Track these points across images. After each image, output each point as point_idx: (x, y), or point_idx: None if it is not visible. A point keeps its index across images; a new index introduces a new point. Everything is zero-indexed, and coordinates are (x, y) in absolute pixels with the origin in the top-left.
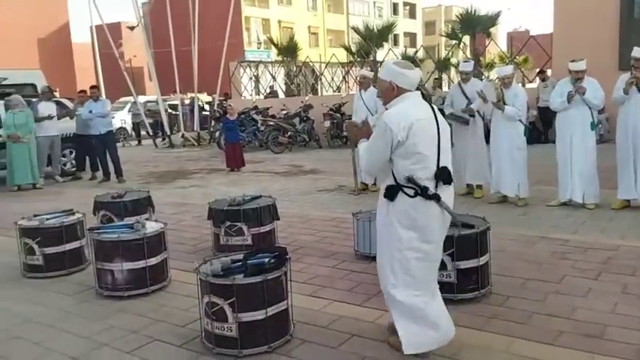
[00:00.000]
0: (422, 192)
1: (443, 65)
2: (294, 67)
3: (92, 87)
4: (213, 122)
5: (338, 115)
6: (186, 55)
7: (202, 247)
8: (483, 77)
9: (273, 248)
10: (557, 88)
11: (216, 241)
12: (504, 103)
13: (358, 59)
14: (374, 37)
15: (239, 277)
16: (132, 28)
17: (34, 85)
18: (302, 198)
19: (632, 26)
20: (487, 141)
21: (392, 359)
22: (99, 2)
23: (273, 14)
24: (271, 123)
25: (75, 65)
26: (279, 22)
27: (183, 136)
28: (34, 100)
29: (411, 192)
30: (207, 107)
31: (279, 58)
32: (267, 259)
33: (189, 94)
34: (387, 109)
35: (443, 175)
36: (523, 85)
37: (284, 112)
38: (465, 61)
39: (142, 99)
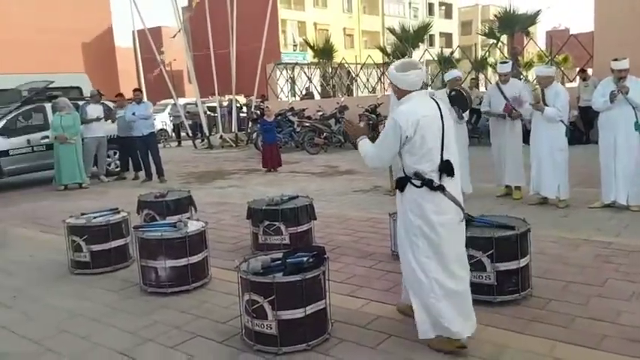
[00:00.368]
0: (427, 184)
1: (480, 65)
2: (330, 69)
3: (135, 90)
4: (250, 124)
5: (373, 115)
6: (224, 57)
7: (241, 246)
8: (522, 77)
9: (311, 248)
10: (599, 88)
11: (254, 240)
12: (545, 104)
13: (394, 60)
14: (409, 38)
15: (279, 275)
16: (173, 36)
17: (79, 88)
18: (338, 198)
19: None
20: (525, 141)
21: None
22: (141, 8)
23: (308, 16)
24: (307, 124)
25: (117, 69)
26: (315, 24)
27: (221, 137)
28: (81, 102)
29: (417, 183)
30: (244, 109)
31: (315, 60)
32: (305, 259)
33: (227, 96)
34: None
35: (446, 168)
36: (563, 85)
37: (320, 113)
38: (503, 62)
39: (181, 101)
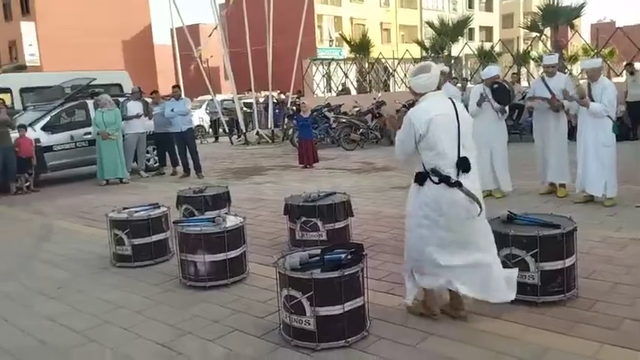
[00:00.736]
0: (445, 180)
1: (522, 59)
2: (367, 64)
3: (174, 86)
4: (286, 120)
5: None
6: (261, 54)
7: (278, 242)
8: (566, 71)
9: (349, 244)
10: None
11: (291, 236)
12: (591, 99)
13: (432, 55)
14: (449, 32)
15: (317, 271)
16: (210, 34)
17: (120, 85)
18: (375, 195)
19: None
20: (570, 137)
21: (472, 359)
22: (179, 5)
23: (345, 11)
24: (343, 120)
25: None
26: (351, 19)
27: (257, 133)
28: (122, 99)
29: (435, 179)
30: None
31: (351, 55)
32: (344, 255)
33: (264, 93)
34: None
35: (463, 165)
36: (610, 79)
37: (356, 109)
38: (549, 54)
39: (218, 97)
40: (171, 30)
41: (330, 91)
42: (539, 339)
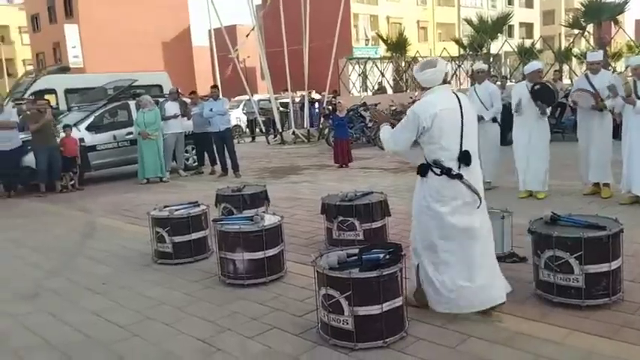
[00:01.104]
0: (446, 172)
1: (563, 56)
2: (403, 63)
3: (212, 87)
4: (322, 119)
5: None
6: (297, 54)
7: (315, 241)
8: (610, 68)
9: (387, 244)
10: None
11: (328, 235)
12: (637, 97)
13: (470, 52)
14: (487, 29)
15: (355, 271)
16: (247, 35)
17: (160, 86)
18: (412, 195)
19: None
20: (615, 136)
21: None
22: (217, 7)
23: (381, 10)
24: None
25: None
26: (388, 17)
27: (293, 133)
28: (161, 100)
29: (437, 171)
30: (316, 105)
31: (388, 54)
32: (382, 255)
33: (299, 92)
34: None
35: (465, 159)
36: None
37: (392, 108)
38: (594, 51)
39: (255, 97)
40: (209, 31)
41: (366, 91)
42: (582, 343)
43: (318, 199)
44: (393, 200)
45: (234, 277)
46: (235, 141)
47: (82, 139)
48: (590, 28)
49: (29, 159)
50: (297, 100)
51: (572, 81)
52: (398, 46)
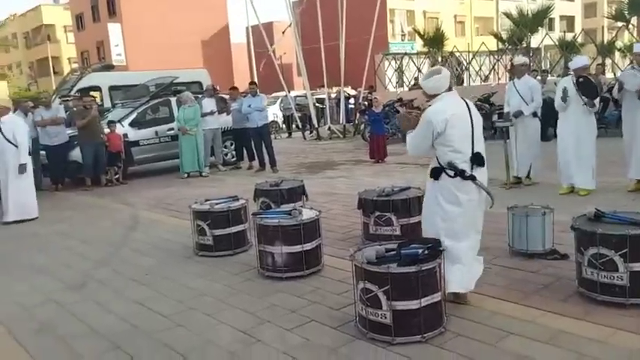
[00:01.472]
0: (460, 174)
1: (606, 50)
2: (440, 58)
3: (251, 83)
4: (358, 115)
5: (487, 105)
6: (333, 50)
7: (352, 235)
8: None
9: (426, 239)
10: None
11: (365, 230)
12: None
13: (509, 47)
14: (527, 23)
15: (393, 266)
16: (283, 32)
17: (199, 83)
18: None
19: None
20: None
21: None
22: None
23: (417, 5)
24: (416, 115)
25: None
26: (424, 12)
27: (329, 128)
28: (199, 96)
29: (451, 173)
30: (351, 100)
31: (424, 49)
32: (421, 250)
33: (335, 88)
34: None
35: (477, 159)
36: None
37: (428, 103)
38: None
39: (291, 94)
40: (247, 28)
41: (402, 86)
42: (626, 342)
43: (354, 194)
44: None
45: (272, 269)
46: (272, 137)
47: (125, 135)
48: (634, 20)
49: (76, 154)
50: (333, 96)
51: (615, 75)
52: (435, 41)
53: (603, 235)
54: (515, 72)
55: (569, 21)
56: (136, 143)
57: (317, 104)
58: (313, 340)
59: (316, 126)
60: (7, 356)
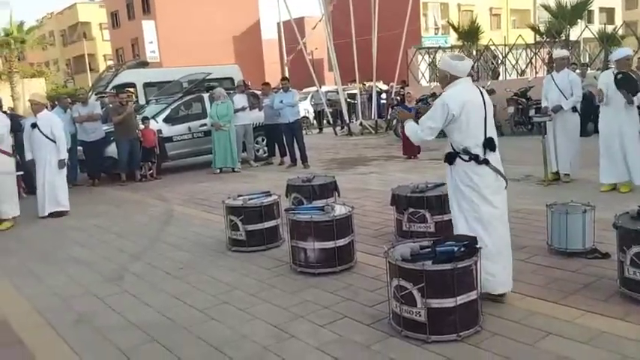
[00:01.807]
0: (474, 158)
1: None
2: (475, 52)
3: (283, 79)
4: (390, 110)
5: (524, 100)
6: (365, 44)
7: (384, 232)
8: None
9: (462, 237)
10: None
11: (398, 227)
12: None
13: (547, 39)
14: (566, 15)
15: (428, 263)
16: (314, 27)
17: (231, 79)
18: None
19: None
20: None
21: None
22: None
23: None
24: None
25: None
26: (459, 5)
27: (361, 124)
28: (231, 92)
29: (465, 157)
30: (384, 95)
31: (458, 43)
32: (456, 248)
33: (367, 83)
34: (444, 91)
35: (489, 144)
36: None
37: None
38: None
39: (323, 89)
40: (278, 24)
41: (435, 81)
42: None
43: (386, 191)
44: None
45: (305, 265)
46: (303, 132)
47: (159, 131)
48: None
49: (112, 149)
50: (365, 91)
51: None
52: (469, 34)
53: None
54: (554, 65)
55: (609, 13)
56: (169, 139)
57: (348, 99)
58: (346, 337)
59: (347, 121)
60: (47, 347)
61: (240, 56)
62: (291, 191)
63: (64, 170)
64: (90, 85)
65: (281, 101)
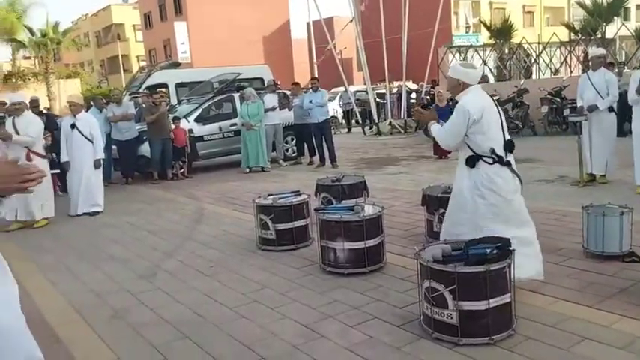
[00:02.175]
0: (499, 160)
1: None
2: (507, 50)
3: (312, 78)
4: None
5: (558, 99)
6: (395, 43)
7: (414, 233)
8: None
9: (495, 239)
10: None
11: (429, 228)
12: None
13: (582, 37)
14: (602, 12)
15: (460, 265)
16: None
17: (261, 79)
18: None
19: None
20: None
21: None
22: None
23: None
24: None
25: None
26: (490, 3)
27: (390, 123)
28: (261, 92)
29: (489, 160)
30: (413, 95)
31: (490, 42)
32: (489, 250)
33: (397, 83)
34: (456, 99)
35: (509, 146)
36: None
37: (495, 97)
38: None
39: (352, 88)
40: (308, 24)
41: None
42: None
43: (416, 191)
44: None
45: (334, 265)
46: (332, 132)
47: (190, 130)
48: None
49: (145, 148)
50: (395, 90)
51: None
52: (502, 32)
53: None
54: (590, 64)
55: None
56: (200, 138)
57: (377, 99)
58: (376, 338)
59: (376, 121)
60: (82, 342)
61: (269, 56)
62: (321, 191)
63: (101, 170)
64: (124, 85)
65: (310, 101)
